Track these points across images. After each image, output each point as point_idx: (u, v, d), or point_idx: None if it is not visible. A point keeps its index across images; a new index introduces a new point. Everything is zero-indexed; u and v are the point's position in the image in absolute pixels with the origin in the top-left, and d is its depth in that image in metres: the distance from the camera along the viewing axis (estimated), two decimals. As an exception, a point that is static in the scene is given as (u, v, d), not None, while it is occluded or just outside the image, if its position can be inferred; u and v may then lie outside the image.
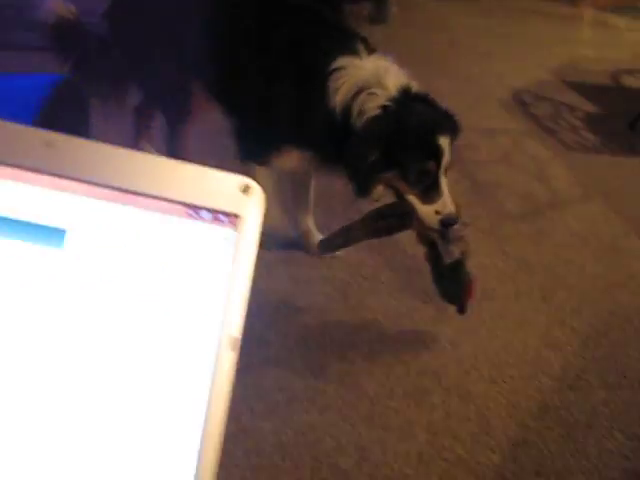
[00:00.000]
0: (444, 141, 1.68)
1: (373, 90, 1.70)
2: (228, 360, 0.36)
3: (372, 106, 1.69)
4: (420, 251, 1.86)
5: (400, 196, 1.75)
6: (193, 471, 0.37)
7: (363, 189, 1.75)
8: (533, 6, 6.62)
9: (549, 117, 3.76)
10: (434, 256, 1.78)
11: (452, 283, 1.80)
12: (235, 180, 0.37)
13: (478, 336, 1.94)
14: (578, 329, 2.06)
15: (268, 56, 1.87)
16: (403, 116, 1.69)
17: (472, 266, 2.08)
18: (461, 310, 1.83)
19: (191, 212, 0.36)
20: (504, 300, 2.13)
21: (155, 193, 0.36)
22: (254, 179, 1.61)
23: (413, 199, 1.71)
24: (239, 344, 0.36)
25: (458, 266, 1.78)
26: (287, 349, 1.81)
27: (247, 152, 1.98)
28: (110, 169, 0.36)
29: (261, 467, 1.47)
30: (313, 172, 2.06)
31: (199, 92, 2.19)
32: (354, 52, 1.78)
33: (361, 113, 1.69)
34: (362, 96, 1.70)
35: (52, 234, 0.38)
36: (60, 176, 0.37)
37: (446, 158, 1.69)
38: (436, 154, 1.68)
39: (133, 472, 0.38)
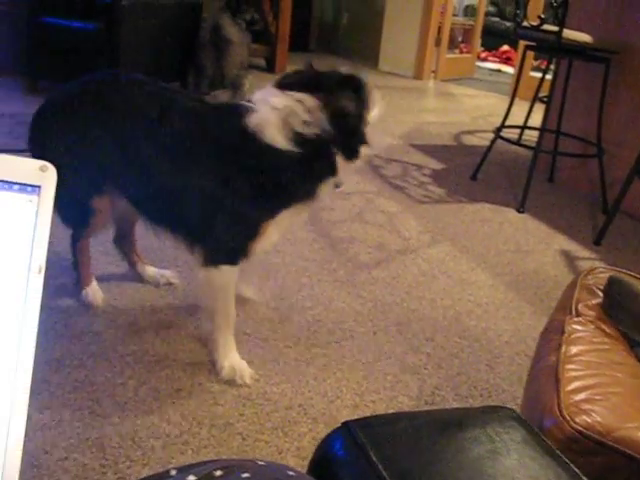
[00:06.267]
0: None
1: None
2: (37, 281, 0.50)
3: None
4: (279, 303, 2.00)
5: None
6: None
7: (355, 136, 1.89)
8: (380, 82, 7.13)
9: (398, 176, 4.08)
10: None
11: None
12: (36, 162, 0.52)
13: (340, 370, 2.10)
14: (432, 354, 2.26)
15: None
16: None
17: (330, 311, 2.26)
18: None
19: (6, 186, 0.51)
20: (363, 337, 2.31)
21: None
22: (224, 284, 1.99)
23: None
24: (44, 268, 0.51)
25: None
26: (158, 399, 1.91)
27: (221, 253, 1.86)
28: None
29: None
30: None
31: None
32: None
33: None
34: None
35: None
36: None
37: None
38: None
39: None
